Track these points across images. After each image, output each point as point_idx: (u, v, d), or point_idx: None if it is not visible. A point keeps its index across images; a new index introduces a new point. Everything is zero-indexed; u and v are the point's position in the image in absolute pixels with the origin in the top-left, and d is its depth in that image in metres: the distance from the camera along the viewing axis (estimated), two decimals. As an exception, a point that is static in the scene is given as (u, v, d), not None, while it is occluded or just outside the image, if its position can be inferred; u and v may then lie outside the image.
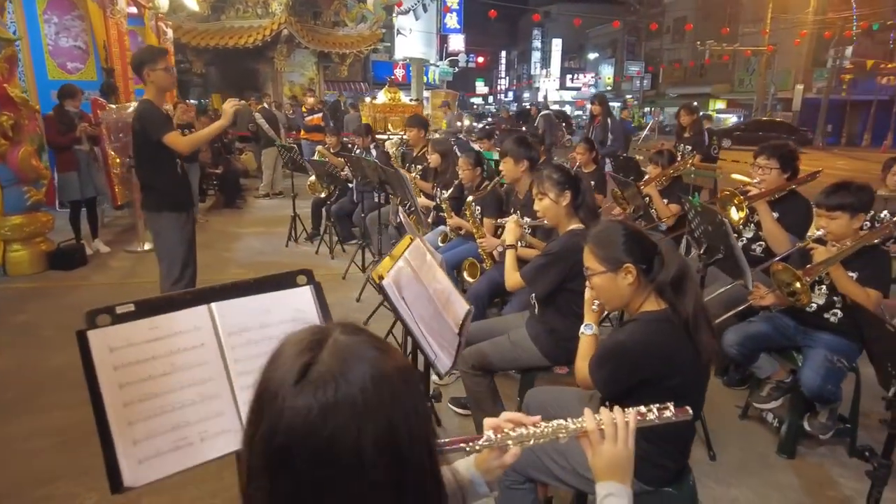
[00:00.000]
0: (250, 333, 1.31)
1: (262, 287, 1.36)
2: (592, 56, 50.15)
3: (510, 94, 63.51)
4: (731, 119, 28.66)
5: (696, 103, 30.92)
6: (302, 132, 9.43)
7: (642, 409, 1.04)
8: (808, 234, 3.13)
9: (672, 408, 1.04)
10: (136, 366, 1.16)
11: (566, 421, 1.01)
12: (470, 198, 3.45)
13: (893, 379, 1.73)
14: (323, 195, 6.53)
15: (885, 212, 3.63)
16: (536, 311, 2.53)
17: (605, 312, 2.03)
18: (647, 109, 37.72)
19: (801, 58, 26.37)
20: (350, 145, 7.43)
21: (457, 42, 33.37)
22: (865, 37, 24.18)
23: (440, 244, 4.37)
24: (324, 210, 6.72)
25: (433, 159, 4.63)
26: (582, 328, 1.91)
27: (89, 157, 5.64)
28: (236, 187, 8.57)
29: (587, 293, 1.94)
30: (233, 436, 1.23)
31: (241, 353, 1.28)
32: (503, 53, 60.58)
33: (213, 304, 1.28)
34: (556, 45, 52.29)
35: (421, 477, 0.65)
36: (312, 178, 6.65)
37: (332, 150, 6.65)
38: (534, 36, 56.19)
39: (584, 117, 41.78)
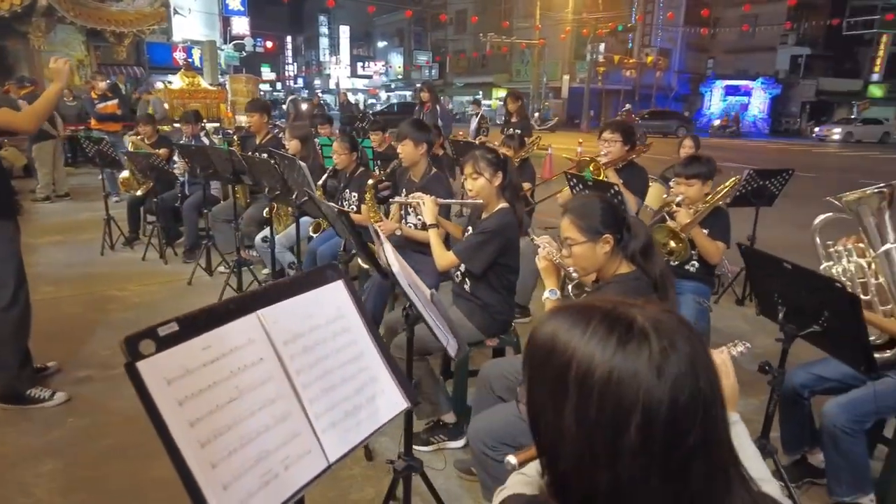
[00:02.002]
0: (304, 339, 1.15)
1: (298, 288, 1.20)
2: (382, 44, 50.94)
3: (300, 80, 61.54)
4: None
5: (480, 93, 33.56)
6: (93, 122, 8.01)
7: (729, 346, 1.18)
8: (657, 200, 3.70)
9: (743, 344, 1.20)
10: (199, 397, 0.95)
11: None
12: (371, 181, 3.34)
13: (779, 306, 2.15)
14: (139, 193, 5.68)
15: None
16: (467, 288, 2.58)
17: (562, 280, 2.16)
18: (437, 97, 39.65)
19: (566, 51, 30.16)
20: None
21: (241, 25, 31.18)
22: (612, 36, 28.61)
23: (312, 234, 4.15)
24: (142, 209, 5.89)
25: (292, 146, 4.35)
26: (546, 293, 2.02)
27: None
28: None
29: (540, 262, 2.05)
30: (314, 457, 1.07)
31: (301, 363, 1.12)
32: (289, 39, 58.26)
33: (259, 312, 1.09)
34: (344, 32, 51.94)
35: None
36: (125, 173, 5.74)
37: (147, 141, 5.82)
38: (320, 22, 55.07)
39: (379, 105, 42.48)
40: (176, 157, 5.46)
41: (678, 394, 0.61)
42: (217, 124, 10.65)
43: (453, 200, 2.70)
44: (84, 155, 8.01)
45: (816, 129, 28.34)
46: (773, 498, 0.76)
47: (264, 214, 4.67)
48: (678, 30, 30.70)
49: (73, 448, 2.53)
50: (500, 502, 0.81)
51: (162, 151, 5.49)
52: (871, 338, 2.12)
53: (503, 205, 2.50)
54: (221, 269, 4.87)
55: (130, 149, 5.64)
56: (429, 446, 2.55)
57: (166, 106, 10.61)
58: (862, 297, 2.18)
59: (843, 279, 2.26)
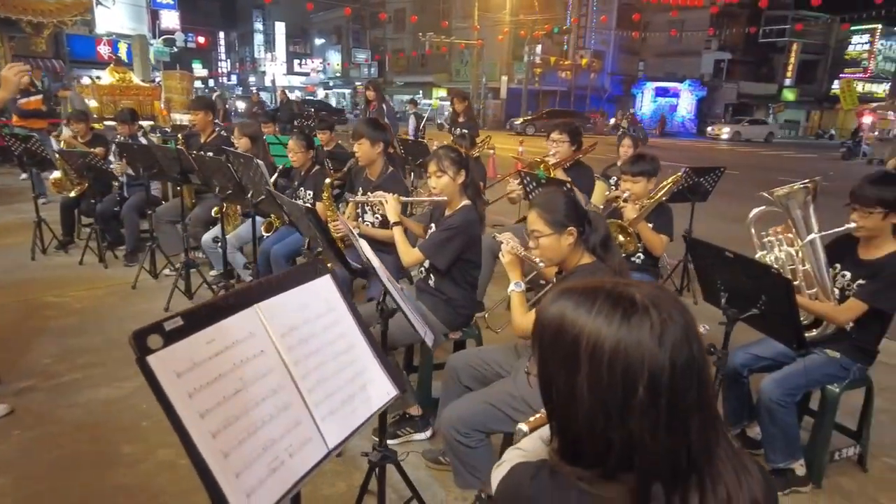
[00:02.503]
0: (299, 332, 1.18)
1: (289, 283, 1.23)
2: (319, 42, 50.10)
3: (234, 77, 59.67)
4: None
5: (420, 92, 33.60)
6: (14, 118, 7.51)
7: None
8: (605, 195, 3.90)
9: (703, 326, 1.32)
10: (207, 388, 0.97)
11: None
12: (327, 180, 3.33)
13: (722, 292, 2.34)
14: (73, 194, 5.40)
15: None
16: (432, 283, 2.65)
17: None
18: (378, 96, 39.39)
19: (503, 52, 30.67)
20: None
21: (170, 19, 29.91)
22: (548, 38, 29.33)
23: (265, 234, 4.09)
24: (76, 212, 5.60)
25: (242, 143, 4.27)
26: (511, 286, 2.11)
27: None
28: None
29: (504, 257, 2.15)
30: (315, 444, 1.11)
31: (298, 354, 1.15)
32: (222, 35, 56.31)
33: (257, 306, 1.12)
34: (280, 28, 50.73)
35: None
36: (57, 174, 5.43)
37: (81, 139, 5.54)
38: (255, 18, 53.60)
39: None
40: (112, 158, 5.23)
41: (677, 358, 0.70)
42: (151, 122, 10.21)
43: (418, 198, 2.75)
44: (5, 154, 7.53)
45: (708, 129, 29.76)
46: (745, 451, 0.87)
47: (212, 214, 4.56)
48: (611, 33, 31.88)
49: (22, 461, 2.42)
50: (507, 472, 0.88)
51: (98, 150, 5.24)
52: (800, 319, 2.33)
53: (466, 202, 2.58)
54: (167, 271, 4.72)
55: (63, 147, 5.35)
56: (396, 439, 2.59)
57: (94, 103, 10.09)
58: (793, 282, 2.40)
59: (776, 266, 2.48)
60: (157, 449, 2.51)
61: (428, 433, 2.65)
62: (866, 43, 34.41)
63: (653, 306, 0.73)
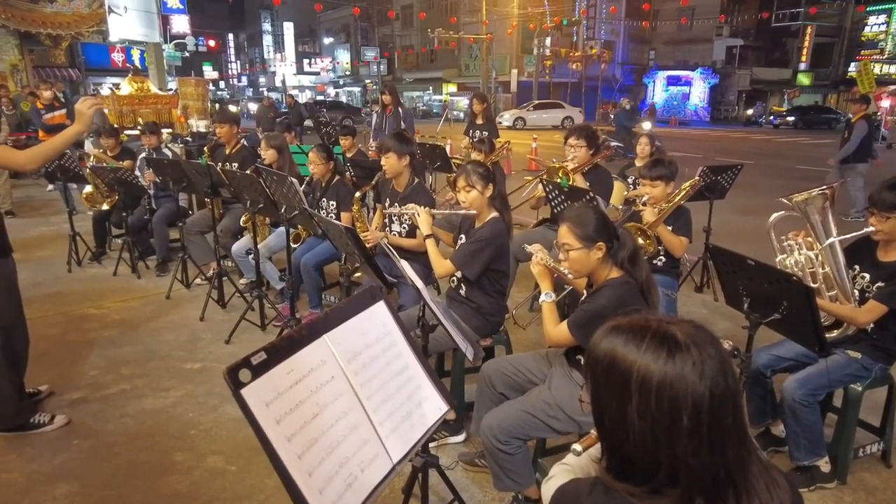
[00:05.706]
0: (362, 357, 1.30)
1: (351, 311, 1.35)
2: (328, 41, 50.30)
3: (244, 78, 60.21)
4: (464, 101, 31.89)
5: (430, 88, 33.52)
6: (40, 133, 7.73)
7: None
8: (627, 197, 3.98)
9: (728, 343, 1.42)
10: (291, 415, 1.09)
11: None
12: (358, 193, 3.45)
13: (744, 297, 2.42)
14: (105, 207, 5.59)
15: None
16: (463, 292, 2.76)
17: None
18: (387, 94, 39.47)
19: (513, 46, 30.61)
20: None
21: (181, 24, 30.27)
22: (557, 30, 29.21)
23: (294, 245, 4.23)
24: (107, 224, 5.80)
25: (269, 155, 4.40)
26: (542, 297, 2.21)
27: None
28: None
29: (534, 268, 2.25)
30: (381, 459, 1.23)
31: (363, 378, 1.27)
32: (231, 36, 56.79)
33: (327, 336, 1.24)
34: (289, 28, 51.08)
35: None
36: (88, 188, 5.62)
37: (110, 153, 5.71)
38: (263, 19, 53.97)
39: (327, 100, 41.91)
40: (137, 172, 5.39)
41: (715, 390, 0.81)
42: (170, 130, 10.40)
43: (449, 212, 2.86)
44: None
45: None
46: (773, 464, 0.97)
47: (241, 224, 4.71)
48: (620, 23, 31.68)
49: (85, 470, 2.57)
50: (563, 486, 0.98)
51: (126, 163, 5.42)
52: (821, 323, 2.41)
53: (494, 214, 2.69)
54: (199, 280, 4.88)
55: (93, 162, 5.53)
56: (432, 442, 2.71)
57: (110, 110, 10.29)
58: (812, 284, 2.48)
59: (796, 270, 2.55)
60: (206, 456, 2.66)
61: (462, 436, 2.77)
62: (883, 24, 33.76)
63: (693, 344, 0.83)
